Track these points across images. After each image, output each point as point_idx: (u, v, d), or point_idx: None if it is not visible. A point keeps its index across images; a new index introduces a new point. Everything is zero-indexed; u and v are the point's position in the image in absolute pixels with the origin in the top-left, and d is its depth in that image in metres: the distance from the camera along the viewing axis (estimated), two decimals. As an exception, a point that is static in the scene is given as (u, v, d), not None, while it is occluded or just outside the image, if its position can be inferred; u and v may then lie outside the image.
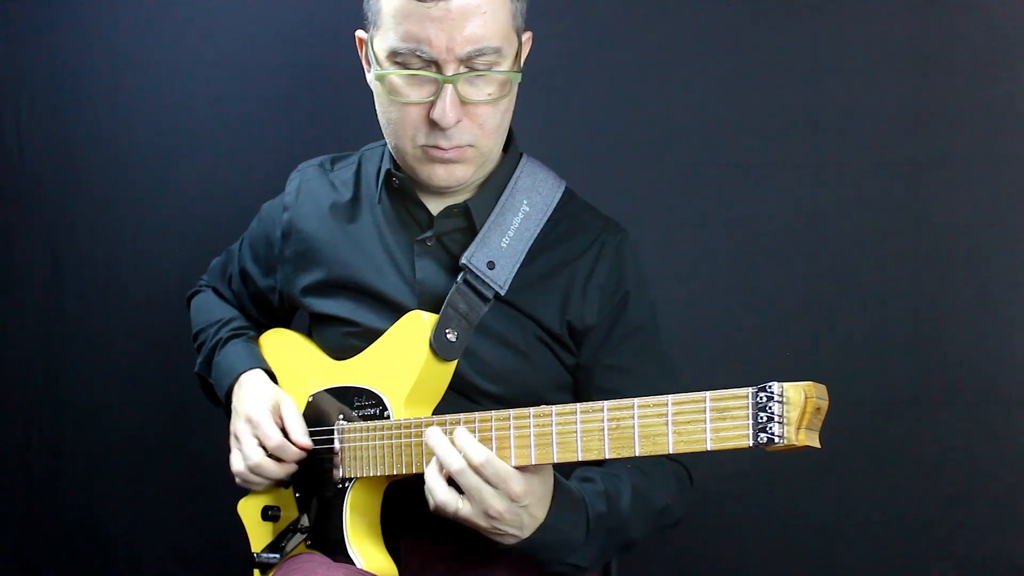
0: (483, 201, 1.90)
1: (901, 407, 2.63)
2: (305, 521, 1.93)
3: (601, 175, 2.63)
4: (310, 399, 1.96)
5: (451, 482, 1.65)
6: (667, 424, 1.46)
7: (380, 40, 1.78)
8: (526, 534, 1.65)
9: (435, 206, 1.91)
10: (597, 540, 1.72)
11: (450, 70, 1.74)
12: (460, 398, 1.87)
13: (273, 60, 2.94)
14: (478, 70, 1.76)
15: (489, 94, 1.78)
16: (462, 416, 1.68)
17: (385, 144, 1.98)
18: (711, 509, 2.65)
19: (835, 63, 2.66)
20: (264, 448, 1.91)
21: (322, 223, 2.00)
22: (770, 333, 2.70)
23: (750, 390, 1.39)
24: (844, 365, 2.63)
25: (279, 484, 1.98)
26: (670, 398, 1.46)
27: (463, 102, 1.76)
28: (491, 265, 1.85)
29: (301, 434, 1.89)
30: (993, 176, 2.60)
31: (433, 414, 1.83)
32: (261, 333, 2.15)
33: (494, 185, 1.92)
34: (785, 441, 1.36)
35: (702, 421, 1.42)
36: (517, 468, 1.61)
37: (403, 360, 1.83)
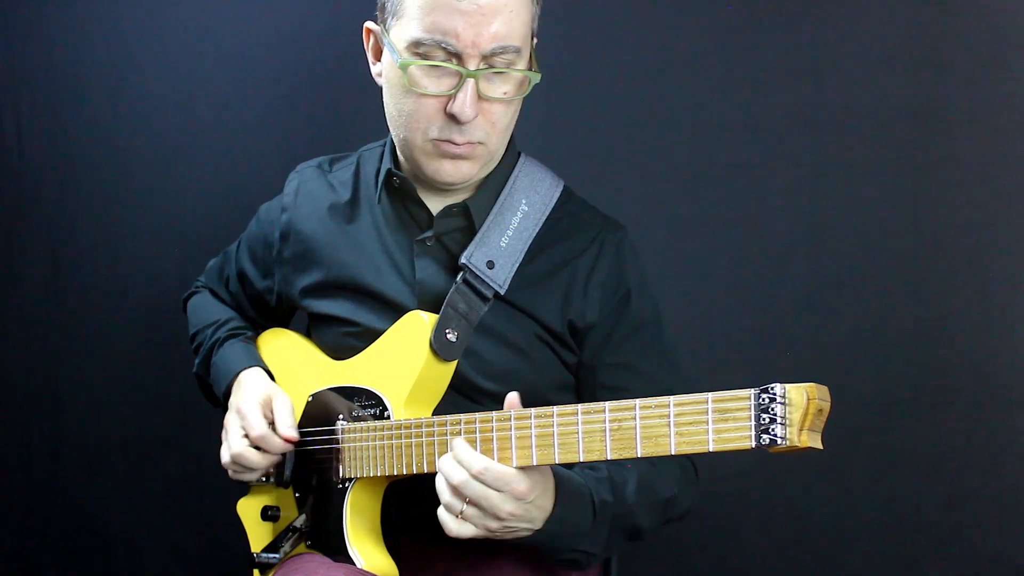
0: (482, 200, 1.90)
1: (901, 407, 2.63)
2: (305, 521, 1.93)
3: (601, 175, 2.63)
4: (310, 399, 1.96)
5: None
6: (669, 425, 1.46)
7: (401, 29, 1.78)
8: (538, 525, 1.66)
9: (434, 206, 1.91)
10: (604, 526, 1.74)
11: (472, 65, 1.74)
12: (461, 397, 1.87)
13: (273, 61, 2.94)
14: (497, 67, 1.76)
15: (505, 92, 1.79)
16: (463, 417, 1.68)
17: (384, 144, 1.99)
18: (711, 509, 2.64)
19: (835, 63, 2.66)
20: (249, 438, 1.91)
21: (321, 224, 2.00)
22: (770, 333, 2.70)
23: (752, 391, 1.39)
24: (844, 365, 2.63)
25: (279, 484, 1.98)
26: (672, 399, 1.46)
27: (480, 98, 1.77)
28: (490, 264, 1.85)
29: (287, 427, 1.89)
30: (993, 176, 2.60)
31: (433, 414, 1.83)
32: (259, 334, 2.15)
33: (493, 184, 1.92)
34: (787, 443, 1.36)
35: (704, 422, 1.42)
36: (517, 468, 1.61)
37: (403, 360, 1.83)
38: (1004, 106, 2.58)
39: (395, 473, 1.78)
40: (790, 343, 2.68)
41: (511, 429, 1.61)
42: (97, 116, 3.03)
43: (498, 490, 1.60)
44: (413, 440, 1.75)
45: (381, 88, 1.89)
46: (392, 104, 1.85)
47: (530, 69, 1.81)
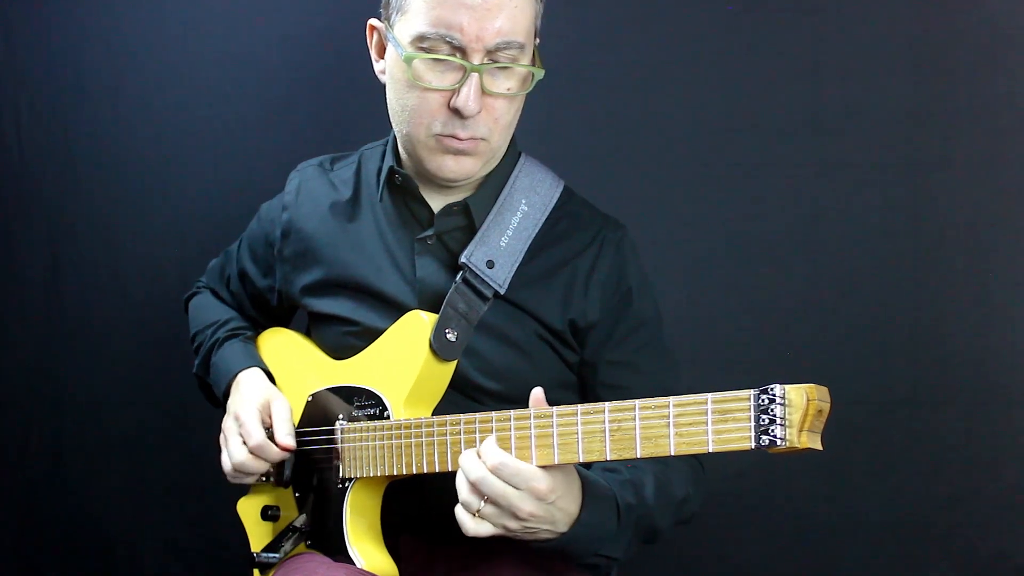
0: (482, 199, 1.90)
1: (901, 407, 2.63)
2: (305, 521, 1.93)
3: (601, 175, 2.63)
4: (309, 399, 1.95)
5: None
6: (669, 426, 1.45)
7: (405, 24, 1.78)
8: (561, 529, 1.63)
9: (436, 204, 1.91)
10: (627, 530, 1.71)
11: (476, 59, 1.74)
12: (461, 396, 1.87)
13: (273, 60, 2.94)
14: (501, 63, 1.77)
15: (509, 88, 1.79)
16: (463, 417, 1.68)
17: (385, 143, 1.99)
18: (711, 509, 2.61)
19: (835, 63, 2.67)
20: (247, 447, 1.91)
21: (322, 222, 2.00)
22: (770, 333, 2.70)
23: (752, 392, 1.39)
24: (844, 365, 2.63)
25: (279, 484, 1.98)
26: (672, 400, 1.46)
27: (484, 93, 1.77)
28: (490, 264, 1.85)
29: (285, 434, 1.89)
30: (993, 176, 2.60)
31: (433, 414, 1.83)
32: (259, 333, 2.15)
33: (493, 184, 1.92)
34: (787, 444, 1.36)
35: (703, 423, 1.42)
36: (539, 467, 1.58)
37: (403, 360, 1.83)
38: (1004, 106, 2.59)
39: (395, 473, 1.78)
40: (790, 343, 2.68)
41: (511, 430, 1.60)
42: (97, 116, 3.02)
43: (516, 487, 1.57)
44: (413, 440, 1.75)
45: (382, 87, 1.89)
46: (395, 100, 1.85)
47: (534, 65, 1.82)
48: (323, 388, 1.94)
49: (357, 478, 1.84)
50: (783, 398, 1.37)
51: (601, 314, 1.89)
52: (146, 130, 3.00)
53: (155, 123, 3.00)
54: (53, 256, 3.08)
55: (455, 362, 1.83)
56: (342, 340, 1.95)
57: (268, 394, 1.95)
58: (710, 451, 1.42)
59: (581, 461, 1.54)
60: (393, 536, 1.89)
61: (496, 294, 1.85)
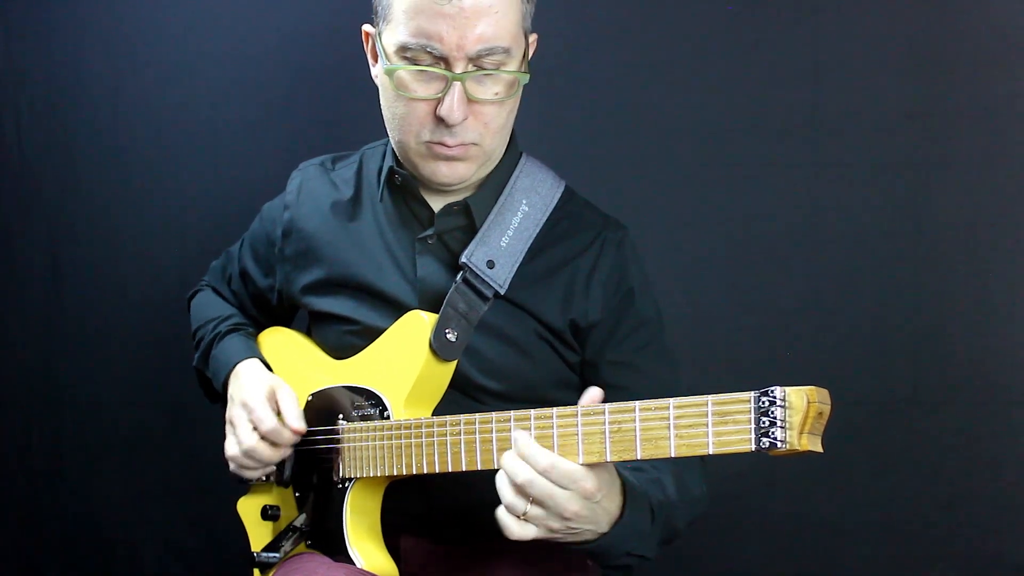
0: (483, 199, 1.90)
1: (901, 407, 2.63)
2: (305, 521, 1.93)
3: (601, 175, 2.63)
4: (310, 398, 1.95)
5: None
6: (669, 427, 1.45)
7: (389, 34, 1.78)
8: (603, 528, 1.60)
9: (436, 204, 1.91)
10: (659, 527, 1.70)
11: (459, 68, 1.74)
12: (461, 396, 1.87)
13: (274, 60, 2.94)
14: (486, 69, 1.76)
15: (496, 93, 1.79)
16: (463, 417, 1.68)
17: (386, 143, 1.99)
18: (711, 509, 2.63)
19: (835, 63, 2.66)
20: (259, 432, 1.91)
21: (323, 222, 2.00)
22: (770, 333, 2.70)
23: (752, 394, 1.39)
24: (844, 365, 2.63)
25: (279, 484, 1.98)
26: (672, 401, 1.46)
27: (470, 100, 1.77)
28: (491, 264, 1.85)
29: (295, 418, 1.89)
30: (993, 176, 2.60)
31: (433, 414, 1.83)
32: (260, 331, 2.15)
33: (494, 184, 1.92)
34: (787, 446, 1.36)
35: (704, 425, 1.42)
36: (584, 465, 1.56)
37: (403, 360, 1.83)
38: (1004, 106, 2.59)
39: (395, 473, 1.78)
40: (789, 343, 2.68)
41: (511, 431, 1.60)
42: (97, 116, 3.02)
43: (564, 488, 1.54)
44: (413, 440, 1.75)
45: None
46: (386, 107, 1.86)
47: (521, 69, 1.81)
48: (323, 388, 1.94)
49: (357, 478, 1.85)
50: (783, 400, 1.37)
51: (602, 314, 1.89)
52: (146, 130, 3.00)
53: (155, 123, 3.00)
54: (53, 256, 3.08)
55: (455, 362, 1.83)
56: (342, 339, 1.95)
57: (273, 382, 1.95)
58: (710, 453, 1.42)
59: (582, 463, 1.54)
60: (393, 536, 1.89)
61: (496, 294, 1.85)
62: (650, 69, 2.75)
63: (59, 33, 3.02)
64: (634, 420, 1.49)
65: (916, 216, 2.64)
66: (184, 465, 3.00)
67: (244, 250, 2.16)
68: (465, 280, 1.84)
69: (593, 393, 1.58)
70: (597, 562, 1.74)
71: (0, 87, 3.06)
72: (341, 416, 1.89)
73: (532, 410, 1.59)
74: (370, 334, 1.90)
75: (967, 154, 2.60)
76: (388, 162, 1.95)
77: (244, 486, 2.07)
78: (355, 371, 1.90)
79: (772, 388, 1.37)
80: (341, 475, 1.87)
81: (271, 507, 1.99)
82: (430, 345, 1.80)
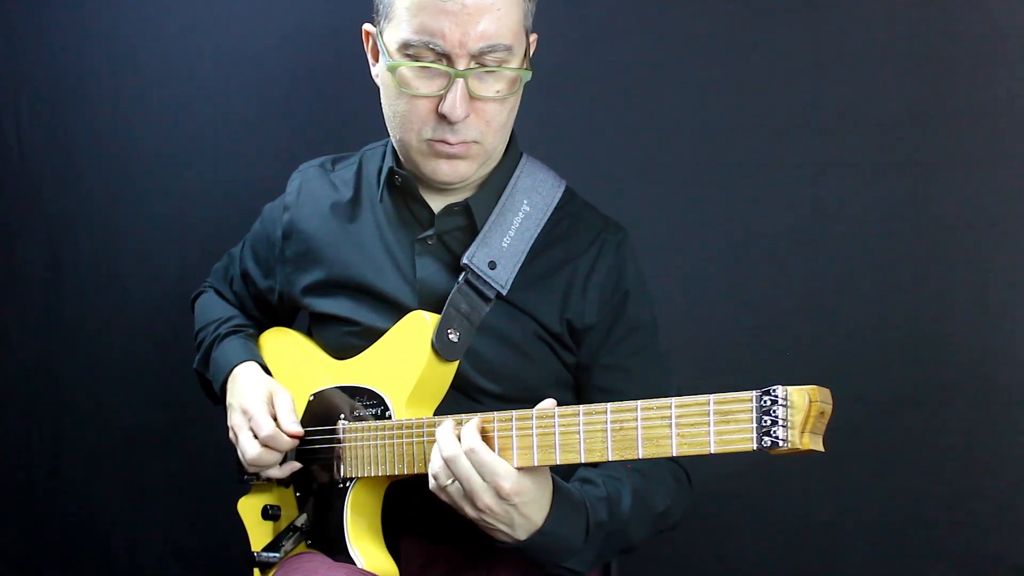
0: (484, 200, 1.90)
1: (901, 407, 2.63)
2: (305, 520, 1.93)
3: (601, 175, 2.64)
4: (311, 398, 1.96)
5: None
6: (671, 427, 1.46)
7: (392, 32, 1.78)
8: (520, 536, 1.64)
9: (436, 204, 1.91)
10: (595, 545, 1.72)
11: (461, 65, 1.74)
12: (461, 397, 1.87)
13: (273, 60, 2.94)
14: (488, 66, 1.76)
15: (498, 91, 1.79)
16: (464, 417, 1.68)
17: (386, 144, 1.99)
18: (711, 509, 2.65)
19: (835, 63, 2.66)
20: (258, 439, 1.91)
21: (323, 223, 2.00)
22: (770, 333, 2.70)
23: (754, 393, 1.39)
24: (844, 365, 2.63)
25: (280, 483, 1.98)
26: (673, 401, 1.46)
27: (472, 97, 1.77)
28: (492, 265, 1.85)
29: (291, 422, 1.89)
30: (993, 176, 2.60)
31: (435, 414, 1.83)
32: (262, 332, 2.15)
33: (494, 184, 1.92)
34: (789, 445, 1.36)
35: (706, 424, 1.42)
36: (518, 468, 1.60)
37: (405, 360, 1.83)
38: (1004, 106, 2.58)
39: (396, 473, 1.78)
40: (790, 343, 2.68)
41: (512, 429, 1.61)
42: (97, 116, 3.03)
43: (482, 478, 1.60)
44: (414, 440, 1.75)
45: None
46: (387, 105, 1.86)
47: (523, 67, 1.81)
48: (325, 388, 1.94)
49: (358, 478, 1.85)
50: (785, 399, 1.37)
51: (598, 316, 1.89)
52: (146, 130, 3.01)
53: (155, 123, 3.00)
54: (53, 256, 3.08)
55: (457, 362, 1.84)
56: (343, 340, 1.95)
57: (270, 386, 1.96)
58: (712, 452, 1.42)
59: (583, 461, 1.54)
60: (394, 536, 1.89)
61: (498, 295, 1.85)
62: (650, 69, 2.75)
63: (59, 33, 3.03)
64: (636, 419, 1.49)
65: (916, 216, 2.63)
66: (184, 465, 3.01)
67: (245, 251, 2.16)
68: (467, 281, 1.84)
69: (546, 404, 1.62)
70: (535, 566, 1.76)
71: (0, 87, 3.07)
72: (342, 416, 1.89)
73: (534, 409, 1.60)
74: (370, 335, 1.90)
75: (967, 154, 2.60)
76: (388, 163, 1.95)
77: (244, 486, 2.07)
78: (357, 371, 1.90)
79: (774, 387, 1.38)
80: (342, 475, 1.87)
81: (272, 507, 1.99)
82: (432, 345, 1.80)
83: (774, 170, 2.69)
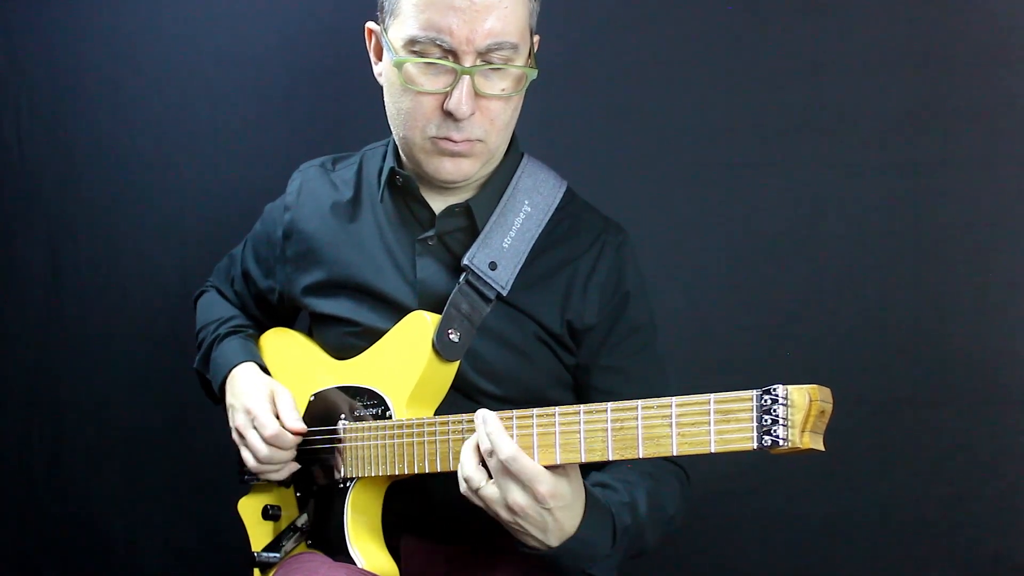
0: (485, 201, 1.90)
1: (901, 407, 2.63)
2: (306, 520, 1.93)
3: (601, 175, 2.63)
4: (312, 398, 1.96)
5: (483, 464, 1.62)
6: (671, 426, 1.46)
7: (398, 28, 1.78)
8: (551, 542, 1.61)
9: (437, 205, 1.91)
10: (619, 551, 1.70)
11: (468, 62, 1.74)
12: (461, 397, 1.87)
13: (274, 60, 2.94)
14: (495, 64, 1.76)
15: (503, 89, 1.79)
16: (465, 417, 1.68)
17: (387, 144, 1.99)
18: (711, 509, 2.65)
19: (835, 63, 2.66)
20: (264, 438, 1.91)
21: (323, 223, 2.00)
22: (770, 333, 2.70)
23: (754, 393, 1.39)
24: (844, 365, 2.63)
25: (281, 483, 1.98)
26: (674, 400, 1.46)
27: (478, 95, 1.77)
28: (493, 266, 1.85)
29: (294, 420, 1.89)
30: (993, 176, 2.60)
31: (435, 414, 1.83)
32: (262, 332, 2.15)
33: (495, 185, 1.92)
34: (789, 444, 1.36)
35: (706, 423, 1.42)
36: (547, 467, 1.58)
37: (405, 360, 1.83)
38: (1004, 106, 2.59)
39: (396, 473, 1.78)
40: (790, 343, 2.68)
41: (513, 429, 1.61)
42: (97, 116, 3.03)
43: (520, 483, 1.56)
44: (415, 440, 1.75)
45: (382, 88, 1.89)
46: (391, 103, 1.86)
47: (528, 66, 1.81)
48: (326, 388, 1.94)
49: (359, 478, 1.85)
50: (785, 399, 1.37)
51: (598, 317, 1.89)
52: (146, 130, 3.01)
53: (155, 123, 3.00)
54: (53, 256, 3.08)
55: (457, 363, 1.84)
56: (343, 340, 1.95)
57: (271, 385, 1.96)
58: (712, 451, 1.42)
59: (584, 461, 1.54)
60: (394, 536, 1.89)
61: (499, 296, 1.85)
62: (650, 69, 2.75)
63: (59, 33, 3.03)
64: (636, 419, 1.49)
65: (916, 216, 2.64)
66: (184, 465, 3.01)
67: (246, 251, 2.16)
68: (468, 282, 1.84)
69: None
70: (554, 572, 1.72)
71: (0, 87, 3.07)
72: (343, 416, 1.89)
73: (535, 409, 1.60)
74: (370, 335, 1.90)
75: (967, 154, 2.60)
76: (389, 163, 1.95)
77: (245, 486, 2.07)
78: (357, 371, 1.91)
79: (774, 386, 1.38)
80: (343, 475, 1.87)
81: (272, 507, 2.00)
82: (433, 345, 1.80)
83: (774, 170, 2.69)
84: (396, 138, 1.90)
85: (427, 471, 1.73)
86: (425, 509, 1.88)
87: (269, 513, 1.99)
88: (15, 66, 3.05)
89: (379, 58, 1.88)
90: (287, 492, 1.99)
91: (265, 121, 2.95)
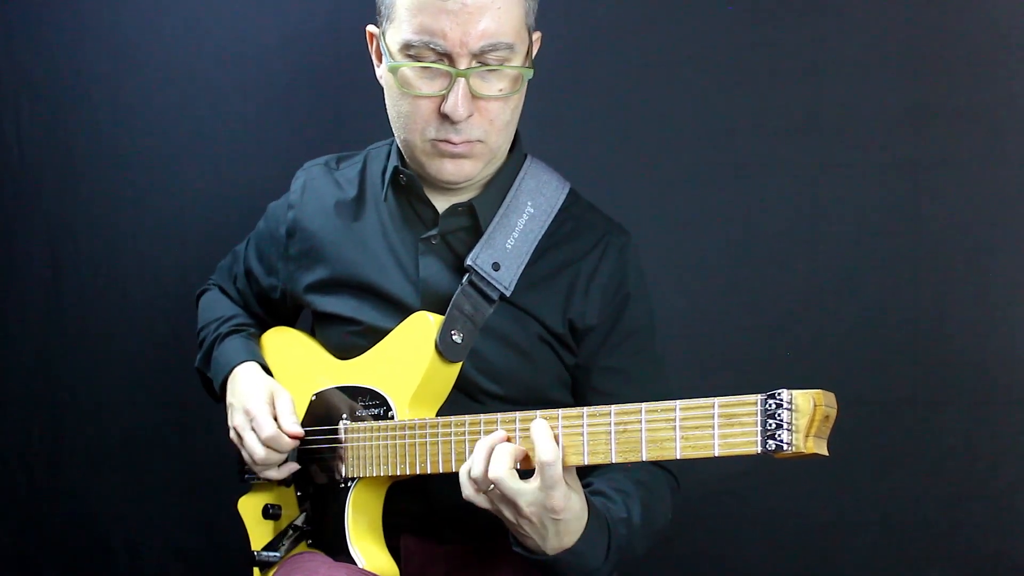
0: (488, 201, 1.90)
1: (901, 407, 2.63)
2: (306, 520, 1.93)
3: (601, 175, 2.62)
4: (313, 397, 1.95)
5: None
6: (675, 429, 1.46)
7: (393, 33, 1.78)
8: (548, 551, 1.62)
9: (440, 204, 1.91)
10: (611, 563, 1.70)
11: (463, 64, 1.74)
12: (464, 397, 1.87)
13: (274, 60, 2.93)
14: (490, 65, 1.76)
15: (500, 89, 1.79)
16: (468, 418, 1.68)
17: (391, 143, 1.99)
18: (711, 509, 2.65)
19: (835, 63, 2.67)
20: (260, 440, 1.91)
21: (327, 221, 2.00)
22: (770, 333, 2.70)
23: (759, 397, 1.39)
24: (844, 365, 2.63)
25: (281, 483, 1.98)
26: (678, 403, 1.46)
27: (474, 96, 1.77)
28: (496, 267, 1.84)
29: (291, 423, 1.89)
30: (993, 176, 2.60)
31: (437, 415, 1.83)
32: (264, 332, 2.15)
33: (499, 185, 1.92)
34: (794, 449, 1.36)
35: (710, 427, 1.42)
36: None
37: (408, 361, 1.83)
38: (1004, 106, 2.59)
39: (398, 473, 1.78)
40: (790, 343, 2.68)
41: (515, 431, 1.61)
42: (97, 116, 3.02)
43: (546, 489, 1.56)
44: (417, 441, 1.75)
45: (383, 89, 1.89)
46: (391, 106, 1.86)
47: (525, 65, 1.81)
48: (327, 388, 1.94)
49: (360, 477, 1.85)
50: (790, 403, 1.37)
51: (599, 318, 1.89)
52: (146, 130, 3.00)
53: (155, 123, 3.00)
54: (53, 256, 3.07)
55: (460, 364, 1.83)
56: (345, 340, 1.95)
57: (271, 387, 1.96)
58: (716, 455, 1.42)
59: (586, 463, 1.54)
60: (394, 536, 1.89)
61: (502, 296, 1.85)
62: (650, 69, 2.75)
63: (59, 33, 3.02)
64: (640, 422, 1.49)
65: (916, 216, 2.64)
66: (184, 465, 3.01)
67: (249, 249, 2.16)
68: (471, 282, 1.84)
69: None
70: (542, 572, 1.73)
71: (0, 87, 3.06)
72: (345, 416, 1.89)
73: (537, 411, 1.60)
74: (373, 334, 1.90)
75: (967, 154, 2.61)
76: (393, 162, 1.95)
77: (245, 485, 2.07)
78: (359, 371, 1.90)
79: (779, 391, 1.38)
80: (344, 475, 1.87)
81: (272, 506, 1.99)
82: (436, 346, 1.80)
83: (774, 170, 2.70)
84: (398, 140, 1.91)
85: (429, 472, 1.73)
86: (425, 509, 1.88)
87: (269, 512, 1.99)
88: (15, 66, 3.05)
89: (380, 60, 1.88)
90: (287, 491, 1.99)
91: (265, 121, 2.94)
